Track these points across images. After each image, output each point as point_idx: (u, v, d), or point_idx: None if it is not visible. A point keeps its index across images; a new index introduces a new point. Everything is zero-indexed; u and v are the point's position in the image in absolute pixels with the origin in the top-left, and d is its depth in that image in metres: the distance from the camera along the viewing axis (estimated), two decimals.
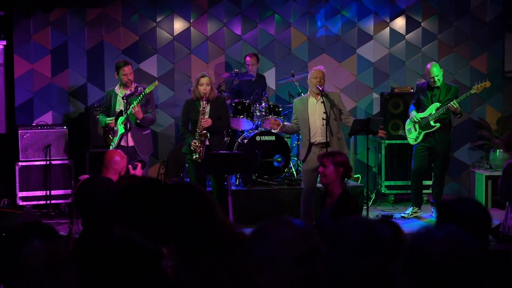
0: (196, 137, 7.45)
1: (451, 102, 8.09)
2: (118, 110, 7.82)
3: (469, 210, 2.78)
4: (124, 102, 7.67)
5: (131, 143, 7.78)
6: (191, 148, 7.47)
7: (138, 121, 7.75)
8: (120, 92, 7.88)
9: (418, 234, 1.97)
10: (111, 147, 7.78)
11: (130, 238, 3.06)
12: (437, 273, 1.87)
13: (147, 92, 7.68)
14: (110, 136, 7.85)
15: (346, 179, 5.67)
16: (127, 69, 7.82)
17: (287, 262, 2.10)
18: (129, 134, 7.73)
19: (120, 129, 7.79)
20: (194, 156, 7.45)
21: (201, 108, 7.47)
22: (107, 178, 4.60)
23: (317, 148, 7.41)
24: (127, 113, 7.67)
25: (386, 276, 2.09)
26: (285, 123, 7.86)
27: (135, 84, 7.91)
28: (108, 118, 7.82)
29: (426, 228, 2.01)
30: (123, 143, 7.80)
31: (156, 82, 7.88)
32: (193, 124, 7.57)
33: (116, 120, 7.81)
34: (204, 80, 7.49)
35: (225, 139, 8.63)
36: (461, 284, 1.86)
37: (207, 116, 7.50)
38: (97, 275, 3.03)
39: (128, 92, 7.73)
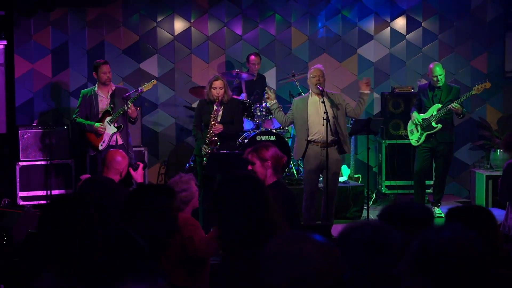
0: (206, 143, 7.43)
1: (453, 104, 8.09)
2: (103, 110, 7.91)
3: (412, 212, 2.77)
4: (118, 102, 7.79)
5: (120, 141, 7.92)
6: (202, 153, 7.47)
7: (132, 119, 7.86)
8: (101, 92, 7.97)
9: (426, 234, 1.96)
10: (99, 147, 7.84)
11: (128, 233, 3.07)
12: (453, 272, 1.85)
13: (145, 90, 7.90)
14: (96, 136, 7.91)
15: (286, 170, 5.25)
16: (106, 68, 7.92)
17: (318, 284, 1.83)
18: (118, 133, 7.89)
19: (112, 128, 7.85)
20: (204, 161, 7.43)
21: (213, 112, 7.41)
22: (108, 178, 4.61)
23: (317, 147, 7.40)
24: (120, 112, 7.77)
25: (392, 277, 2.06)
26: (280, 107, 7.81)
27: (114, 86, 8.08)
28: (98, 123, 7.86)
29: (432, 229, 2.00)
30: (112, 142, 7.88)
31: (154, 81, 8.04)
32: (206, 127, 7.55)
33: (102, 120, 7.88)
34: (217, 83, 7.39)
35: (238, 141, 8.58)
36: (474, 281, 1.86)
37: (219, 119, 7.45)
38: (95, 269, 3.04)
39: (110, 91, 7.91)
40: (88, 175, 5.39)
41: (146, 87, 7.87)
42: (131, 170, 5.60)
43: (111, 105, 7.88)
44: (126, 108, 7.66)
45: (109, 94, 7.94)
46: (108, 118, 7.88)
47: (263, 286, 1.85)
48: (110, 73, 7.95)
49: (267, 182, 5.03)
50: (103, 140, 7.88)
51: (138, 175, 5.65)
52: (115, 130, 7.88)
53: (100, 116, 7.91)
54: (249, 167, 5.10)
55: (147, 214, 3.11)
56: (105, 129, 7.83)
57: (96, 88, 7.99)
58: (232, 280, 2.83)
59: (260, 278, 1.86)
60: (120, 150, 6.00)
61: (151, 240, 3.10)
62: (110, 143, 7.89)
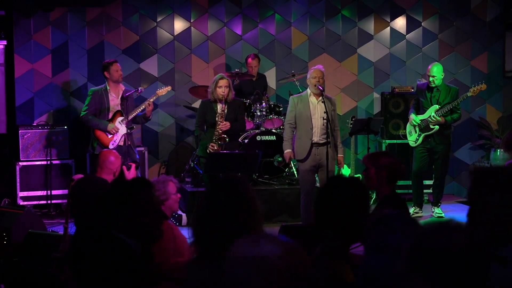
0: (214, 140, 7.46)
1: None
2: (113, 109, 7.95)
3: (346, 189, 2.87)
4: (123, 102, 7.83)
5: (127, 142, 7.93)
6: (208, 151, 7.48)
7: (147, 118, 8.03)
8: (113, 91, 8.00)
9: (421, 231, 1.93)
10: (110, 146, 7.85)
11: (115, 235, 3.08)
12: (455, 268, 1.82)
13: (159, 95, 8.12)
14: (107, 135, 7.93)
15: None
16: (117, 66, 7.99)
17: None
18: (126, 134, 7.91)
19: (123, 129, 7.89)
20: None
21: (220, 111, 7.47)
22: (101, 178, 4.59)
23: (316, 148, 7.41)
24: (135, 112, 7.87)
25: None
26: (289, 149, 7.68)
27: (124, 87, 8.12)
28: (112, 124, 7.89)
29: (428, 227, 1.96)
30: (121, 142, 7.91)
31: (169, 87, 8.31)
32: (209, 126, 7.59)
33: (113, 120, 7.91)
34: (222, 82, 7.47)
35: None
36: (475, 276, 1.84)
37: (225, 119, 7.51)
38: (87, 271, 3.06)
39: (120, 92, 7.95)
40: (81, 175, 5.35)
41: (160, 92, 8.08)
42: (125, 170, 5.59)
43: (123, 106, 7.92)
44: (121, 109, 7.84)
45: (119, 96, 7.98)
46: (119, 118, 7.93)
47: None
48: (121, 71, 8.08)
49: (381, 193, 4.63)
50: (114, 139, 7.91)
51: (131, 175, 5.65)
52: (127, 130, 7.92)
53: (111, 115, 7.94)
54: (363, 172, 4.69)
55: (135, 209, 3.13)
56: (118, 130, 7.85)
57: (108, 87, 8.01)
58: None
59: (225, 283, 1.79)
60: (114, 150, 6.00)
61: (144, 232, 3.12)
62: (119, 143, 7.94)
